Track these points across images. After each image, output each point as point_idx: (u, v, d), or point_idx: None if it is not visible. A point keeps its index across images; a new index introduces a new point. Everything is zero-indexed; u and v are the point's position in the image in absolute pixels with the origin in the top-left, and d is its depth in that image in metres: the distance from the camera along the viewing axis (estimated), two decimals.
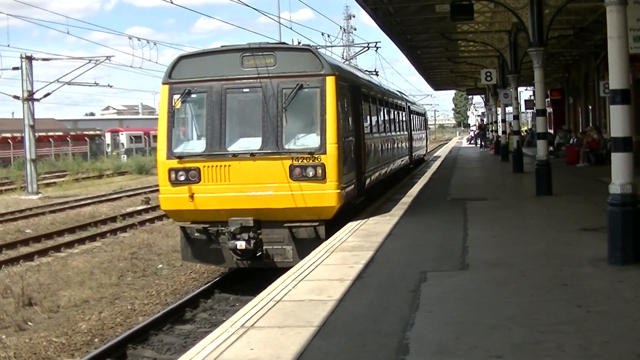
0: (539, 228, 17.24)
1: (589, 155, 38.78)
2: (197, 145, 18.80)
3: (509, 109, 46.48)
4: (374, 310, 10.05)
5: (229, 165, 18.05)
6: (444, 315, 9.63)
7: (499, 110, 52.00)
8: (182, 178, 18.24)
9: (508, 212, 20.41)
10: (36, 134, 48.15)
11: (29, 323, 16.87)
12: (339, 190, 17.83)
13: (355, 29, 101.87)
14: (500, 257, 13.53)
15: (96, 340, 15.33)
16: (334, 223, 18.28)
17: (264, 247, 17.99)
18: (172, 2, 22.65)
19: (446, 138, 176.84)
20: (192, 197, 18.15)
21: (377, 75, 42.37)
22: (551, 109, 61.90)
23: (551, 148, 42.82)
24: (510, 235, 16.13)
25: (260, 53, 18.39)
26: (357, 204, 21.17)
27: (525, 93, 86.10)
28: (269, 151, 17.89)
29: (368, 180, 22.67)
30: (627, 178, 12.07)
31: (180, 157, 18.29)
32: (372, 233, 17.28)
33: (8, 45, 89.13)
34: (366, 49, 48.09)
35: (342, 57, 50.90)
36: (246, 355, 8.30)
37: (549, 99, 60.84)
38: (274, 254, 17.94)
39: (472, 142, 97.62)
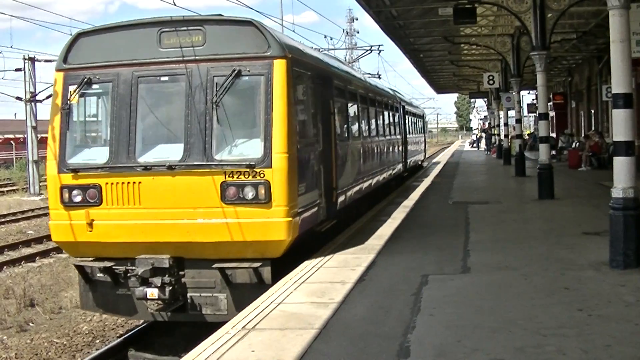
0: (540, 232, 17.26)
1: (591, 159, 38.78)
2: (99, 154, 14.31)
3: (512, 113, 46.48)
4: (375, 313, 10.06)
5: (140, 183, 13.65)
6: (445, 318, 9.63)
7: (502, 113, 52.03)
8: (78, 199, 13.90)
9: (510, 215, 20.40)
10: (39, 135, 48.09)
11: (31, 324, 16.89)
12: (291, 218, 13.37)
13: (358, 32, 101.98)
14: (502, 260, 13.53)
15: (97, 341, 15.34)
16: (284, 261, 13.82)
17: (188, 295, 13.70)
18: (174, 4, 22.66)
19: (448, 142, 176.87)
20: (91, 224, 13.79)
21: (379, 77, 42.40)
22: (554, 113, 61.85)
23: (553, 152, 42.88)
24: (512, 238, 16.12)
25: (185, 27, 14.00)
26: (327, 229, 16.67)
27: (527, 97, 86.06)
28: (194, 163, 13.53)
29: (342, 198, 18.39)
30: (629, 182, 12.07)
31: (75, 171, 13.95)
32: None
33: (11, 47, 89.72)
34: (369, 51, 48.22)
35: (345, 60, 50.78)
36: (247, 357, 8.32)
37: (551, 103, 60.79)
38: (202, 304, 13.67)
39: (475, 145, 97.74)
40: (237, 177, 13.36)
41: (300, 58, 15.34)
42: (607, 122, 41.67)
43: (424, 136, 57.25)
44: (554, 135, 55.21)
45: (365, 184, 22.81)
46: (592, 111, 49.66)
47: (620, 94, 12.08)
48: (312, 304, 10.62)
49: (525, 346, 8.19)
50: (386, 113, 30.80)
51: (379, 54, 48.30)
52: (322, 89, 17.01)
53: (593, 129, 46.03)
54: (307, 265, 13.96)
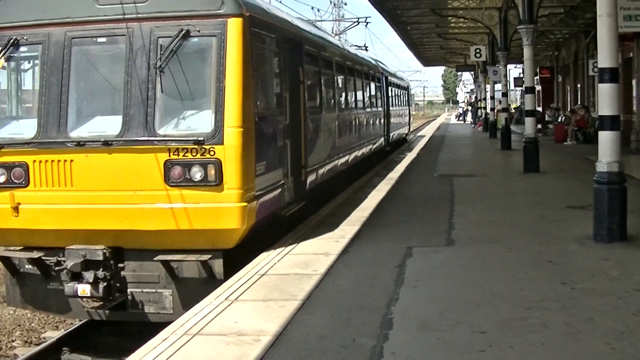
0: (525, 205, 17.28)
1: (577, 134, 38.85)
2: (25, 127, 12.51)
3: (498, 86, 46.49)
4: (359, 285, 10.05)
5: (72, 161, 11.90)
6: (428, 290, 9.63)
7: (488, 87, 52.04)
8: (2, 179, 12.15)
9: (495, 189, 20.43)
10: None
11: None
12: (246, 203, 11.71)
13: (345, 4, 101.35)
14: (487, 233, 13.55)
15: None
16: (240, 252, 12.25)
17: (129, 291, 12.04)
18: None
19: (435, 114, 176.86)
20: (16, 209, 12.09)
21: (366, 50, 42.21)
22: (540, 87, 61.87)
23: (539, 126, 42.89)
24: (497, 212, 16.13)
25: None
26: (294, 212, 15.09)
27: (514, 70, 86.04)
28: (134, 138, 11.78)
29: (313, 177, 16.76)
30: (613, 156, 12.08)
31: None
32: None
33: None
34: (356, 23, 48.08)
35: (332, 32, 50.61)
36: (230, 328, 8.29)
37: (538, 77, 60.78)
38: (145, 301, 12.02)
39: (461, 118, 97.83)
40: (184, 155, 11.65)
41: (262, 17, 13.38)
42: (594, 97, 41.64)
43: (409, 109, 55.18)
44: (540, 109, 55.26)
45: (342, 160, 21.28)
46: (579, 86, 49.67)
47: (606, 68, 12.05)
48: (296, 275, 10.60)
49: (508, 319, 8.20)
50: (366, 84, 28.84)
51: (366, 26, 48.29)
52: (290, 55, 15.53)
53: (579, 103, 46.04)
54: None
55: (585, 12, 38.74)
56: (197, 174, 11.60)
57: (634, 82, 31.23)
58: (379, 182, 22.19)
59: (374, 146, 30.36)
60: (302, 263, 11.43)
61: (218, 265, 11.76)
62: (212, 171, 11.59)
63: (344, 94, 23.33)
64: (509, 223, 14.59)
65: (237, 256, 12.14)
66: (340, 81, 22.53)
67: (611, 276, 10.10)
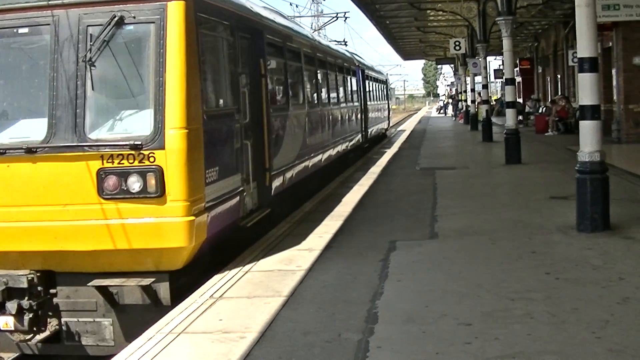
0: (508, 196, 17.32)
1: (558, 124, 38.94)
2: None
3: (478, 79, 46.58)
4: (343, 279, 10.04)
5: None
6: (413, 284, 9.63)
7: (468, 79, 52.09)
8: None
9: (477, 180, 20.45)
10: None
11: None
12: (193, 217, 10.20)
13: None
14: (470, 225, 13.55)
15: None
16: (190, 274, 10.95)
17: (63, 321, 10.58)
18: None
19: (415, 108, 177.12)
20: None
21: (345, 45, 42.16)
22: (520, 78, 61.98)
23: (520, 117, 43.04)
24: (480, 203, 16.15)
25: None
26: (258, 222, 13.48)
27: (494, 62, 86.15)
28: (61, 144, 10.22)
29: (279, 181, 15.32)
30: (595, 146, 12.11)
31: None
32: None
33: None
34: (335, 19, 48.09)
35: (311, 28, 50.57)
36: (215, 325, 8.27)
37: (518, 68, 60.90)
38: (82, 332, 10.54)
39: (442, 111, 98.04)
40: (119, 163, 10.06)
41: (211, 1, 11.89)
42: (574, 87, 41.79)
43: (388, 103, 52.78)
44: (520, 100, 55.37)
45: (313, 161, 19.81)
46: (559, 76, 49.78)
47: (585, 58, 12.07)
48: (280, 272, 10.58)
49: (493, 310, 8.20)
50: (341, 77, 27.32)
51: (345, 21, 48.23)
52: (250, 45, 14.08)
53: (560, 93, 46.16)
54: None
55: (563, 3, 38.80)
56: (135, 184, 10.06)
57: (613, 71, 31.32)
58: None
59: (351, 143, 28.84)
60: (286, 259, 11.41)
61: (164, 290, 10.37)
62: (152, 180, 10.04)
63: (315, 89, 21.88)
64: (492, 215, 14.60)
65: (186, 279, 10.78)
66: (310, 75, 21.09)
67: (595, 265, 10.12)
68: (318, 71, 22.09)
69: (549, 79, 54.93)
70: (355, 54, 38.25)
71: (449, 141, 39.48)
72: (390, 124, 56.40)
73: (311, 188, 20.01)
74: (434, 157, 29.19)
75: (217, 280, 10.42)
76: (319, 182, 21.35)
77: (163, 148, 10.07)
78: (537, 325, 7.63)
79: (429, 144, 37.17)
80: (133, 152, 10.03)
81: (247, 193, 13.02)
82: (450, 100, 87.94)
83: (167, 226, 10.10)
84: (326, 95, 23.88)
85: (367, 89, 36.58)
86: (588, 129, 12.18)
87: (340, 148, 25.38)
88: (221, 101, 12.41)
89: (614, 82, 31.37)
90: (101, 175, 10.08)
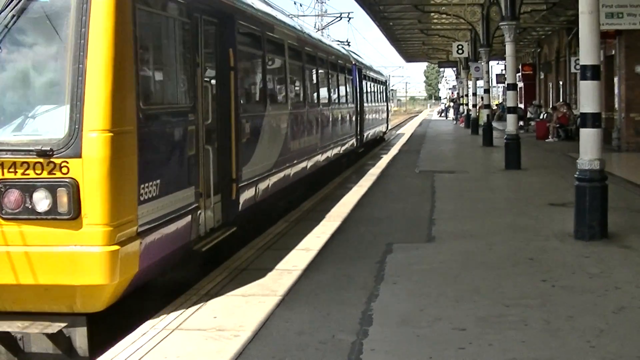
0: (506, 202, 17.31)
1: (559, 131, 38.97)
2: None
3: (480, 83, 46.53)
4: (338, 280, 10.02)
5: None
6: (408, 286, 9.61)
7: (470, 83, 52.11)
8: None
9: (476, 185, 20.44)
10: None
11: None
12: (118, 246, 8.09)
13: None
14: (467, 229, 13.53)
15: None
16: (112, 317, 8.92)
17: None
18: None
19: (417, 110, 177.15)
20: None
21: (349, 45, 42.09)
22: (522, 84, 62.01)
23: (521, 122, 43.05)
24: (478, 208, 16.14)
25: None
26: (223, 241, 11.57)
27: (497, 67, 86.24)
28: None
29: (249, 193, 13.26)
30: (595, 154, 12.09)
31: None
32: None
33: None
34: (339, 19, 48.07)
35: (315, 27, 50.56)
36: (209, 323, 8.25)
37: (520, 74, 60.92)
38: None
39: (443, 115, 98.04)
40: (24, 173, 7.97)
41: None
42: (575, 94, 41.83)
43: (387, 105, 49.98)
44: (522, 106, 55.40)
45: (297, 169, 17.81)
46: (561, 82, 49.80)
47: (588, 65, 12.06)
48: (276, 271, 10.56)
49: (488, 316, 8.19)
50: (334, 76, 25.35)
51: (348, 21, 48.27)
52: (216, 32, 12.09)
53: (561, 100, 46.19)
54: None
55: (567, 9, 38.82)
56: (42, 201, 7.92)
57: (616, 79, 31.34)
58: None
59: (343, 148, 26.72)
60: (282, 258, 11.38)
61: (80, 337, 8.32)
62: (63, 198, 7.88)
63: (301, 87, 19.71)
64: (489, 219, 14.58)
65: (108, 323, 8.76)
66: (295, 71, 19.02)
67: (591, 274, 10.10)
68: (306, 67, 20.01)
69: (551, 85, 54.98)
70: (353, 52, 36.44)
71: (449, 145, 39.49)
72: (389, 127, 54.19)
73: (295, 198, 18.59)
74: (433, 160, 29.18)
75: (213, 277, 10.40)
76: (304, 191, 19.85)
77: (79, 156, 7.89)
78: (531, 332, 7.62)
79: (429, 147, 37.14)
80: (41, 160, 7.90)
81: (204, 210, 10.96)
82: (451, 104, 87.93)
83: (82, 258, 7.93)
84: (315, 95, 21.82)
85: (365, 90, 34.79)
86: (588, 137, 12.17)
87: (330, 153, 23.48)
88: (169, 97, 10.29)
89: (616, 90, 31.38)
90: (0, 188, 7.99)
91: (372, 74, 39.56)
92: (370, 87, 38.27)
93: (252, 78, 15.23)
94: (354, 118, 30.01)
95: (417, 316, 8.28)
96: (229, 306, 8.92)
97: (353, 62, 31.16)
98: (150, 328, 8.21)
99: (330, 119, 23.64)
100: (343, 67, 27.56)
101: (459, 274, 10.24)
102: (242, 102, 13.21)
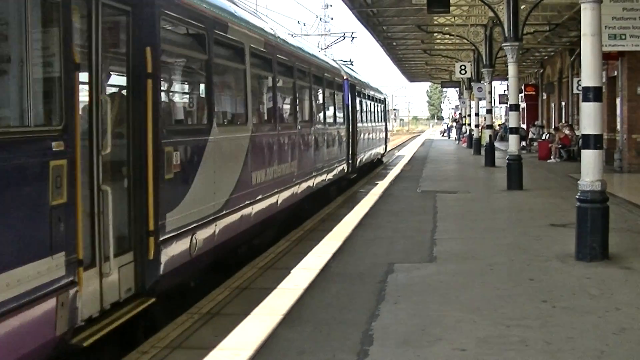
0: (508, 222, 17.32)
1: (561, 151, 39.02)
2: None
3: (483, 103, 46.63)
4: (340, 300, 10.03)
5: None
6: (409, 307, 9.62)
7: (473, 103, 52.21)
8: None
9: (478, 205, 20.44)
10: None
11: None
12: None
13: (332, 19, 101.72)
14: (469, 250, 13.54)
15: None
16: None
17: None
18: None
19: (419, 130, 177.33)
20: None
21: (352, 64, 42.12)
22: (525, 104, 62.12)
23: (523, 143, 43.10)
24: (479, 228, 16.14)
25: None
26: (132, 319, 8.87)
27: (499, 87, 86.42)
28: None
29: (181, 248, 10.35)
30: (596, 175, 12.11)
31: None
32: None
33: None
34: (342, 38, 48.20)
35: (318, 46, 50.71)
36: (211, 342, 8.26)
37: (522, 94, 61.05)
38: None
39: (445, 134, 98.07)
40: None
41: None
42: (578, 115, 41.85)
43: (386, 125, 47.19)
44: (524, 126, 55.49)
45: (260, 207, 14.58)
46: (563, 103, 49.88)
47: (590, 87, 12.10)
48: (278, 290, 10.57)
49: (488, 336, 8.20)
50: (318, 91, 22.44)
51: (352, 40, 48.39)
52: (127, 23, 9.26)
53: (563, 121, 46.29)
54: None
55: (570, 30, 38.94)
56: None
57: (618, 100, 31.39)
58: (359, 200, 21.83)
59: (331, 175, 23.56)
60: (284, 277, 11.39)
61: None
62: None
63: (270, 103, 16.55)
64: (491, 240, 14.59)
65: None
66: (262, 83, 16.35)
67: (592, 295, 10.11)
68: (279, 79, 16.97)
69: (553, 106, 55.07)
70: (347, 66, 34.43)
71: (452, 165, 39.47)
72: (389, 148, 51.09)
73: (261, 243, 15.59)
74: (435, 180, 29.12)
75: (214, 296, 10.42)
76: (277, 231, 17.05)
77: None
78: (531, 352, 7.62)
79: (431, 166, 37.10)
80: None
81: (79, 291, 7.56)
82: (454, 124, 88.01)
83: None
84: (291, 113, 18.88)
85: (359, 108, 32.00)
86: (590, 158, 12.19)
87: (312, 182, 20.31)
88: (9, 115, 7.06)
89: (618, 112, 31.44)
90: None
91: (368, 92, 36.87)
92: (366, 105, 35.72)
93: (189, 89, 13.01)
94: (344, 140, 27.04)
95: (418, 336, 8.28)
96: (230, 325, 8.93)
97: (344, 77, 28.16)
98: (150, 347, 8.23)
99: (313, 142, 20.61)
100: (331, 81, 24.83)
101: (459, 294, 10.24)
102: (168, 122, 10.66)
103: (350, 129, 28.67)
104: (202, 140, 11.24)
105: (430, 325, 8.72)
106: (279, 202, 16.28)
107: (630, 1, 23.14)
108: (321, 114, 22.91)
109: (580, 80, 13.22)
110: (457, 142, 71.77)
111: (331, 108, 25.20)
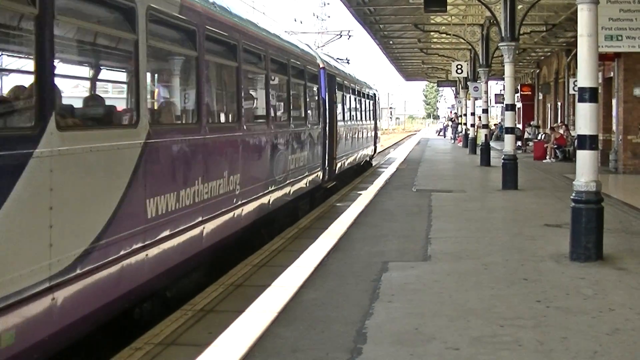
0: (503, 222, 17.32)
1: (556, 152, 39.06)
2: None
3: (479, 103, 46.66)
4: (334, 298, 10.02)
5: None
6: (403, 305, 9.62)
7: (469, 103, 52.24)
8: None
9: (473, 205, 20.44)
10: None
11: None
12: None
13: (329, 17, 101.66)
14: (463, 249, 13.54)
15: None
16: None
17: None
18: None
19: (415, 129, 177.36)
20: None
21: (348, 63, 42.02)
22: (521, 104, 62.15)
23: (519, 143, 43.11)
24: (474, 228, 16.14)
25: None
26: None
27: (495, 87, 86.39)
28: None
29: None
30: (591, 176, 12.13)
31: None
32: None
33: None
34: (339, 36, 48.14)
35: (315, 44, 50.70)
36: (204, 339, 8.26)
37: (518, 94, 61.09)
38: None
39: (441, 134, 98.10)
40: None
41: None
42: (574, 115, 41.96)
43: (375, 123, 42.69)
44: (520, 126, 55.50)
45: (168, 245, 10.15)
46: (559, 104, 49.94)
47: (586, 87, 12.11)
48: (272, 288, 10.57)
49: (482, 336, 8.20)
50: (281, 81, 18.30)
51: (348, 38, 48.32)
52: None
53: (559, 121, 46.33)
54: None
55: (566, 31, 39.02)
56: None
57: (614, 101, 31.43)
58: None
59: (296, 187, 18.98)
60: (278, 275, 11.38)
61: None
62: None
63: (187, 94, 12.34)
64: (485, 239, 14.59)
65: None
66: (174, 62, 12.33)
67: (586, 295, 10.12)
68: (206, 61, 11.95)
69: (549, 106, 55.13)
70: (329, 56, 30.48)
71: (447, 164, 39.45)
72: (380, 149, 47.16)
73: (183, 288, 11.72)
74: (430, 179, 29.08)
75: (208, 293, 10.42)
76: (207, 272, 12.85)
77: None
78: (524, 352, 7.63)
79: (426, 165, 37.07)
80: None
81: None
82: (449, 123, 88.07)
83: None
84: (230, 109, 14.46)
85: (340, 104, 27.82)
86: (585, 159, 12.20)
87: (267, 200, 15.71)
88: None
89: (614, 112, 31.48)
90: None
91: (352, 85, 32.31)
92: (350, 100, 31.43)
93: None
94: (319, 142, 22.49)
95: (412, 335, 8.28)
96: (223, 322, 8.92)
97: (321, 66, 23.67)
98: (144, 344, 8.23)
99: (269, 147, 16.04)
100: (301, 70, 20.10)
101: (453, 293, 10.25)
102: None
103: (328, 129, 24.15)
104: (19, 157, 6.78)
105: (423, 324, 8.72)
106: (206, 234, 11.63)
107: (627, 2, 23.16)
108: (283, 110, 18.65)
109: (576, 80, 13.23)
110: (452, 141, 71.79)
111: (300, 103, 20.60)
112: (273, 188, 16.27)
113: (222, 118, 14.12)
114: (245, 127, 14.17)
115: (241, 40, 13.87)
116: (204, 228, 11.53)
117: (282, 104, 18.69)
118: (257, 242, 15.12)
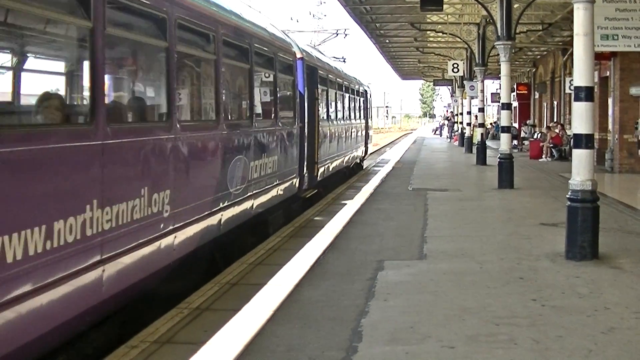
0: (498, 221, 17.31)
1: (552, 151, 39.10)
2: None
3: (475, 101, 46.66)
4: (329, 296, 10.02)
5: None
6: (399, 304, 9.62)
7: (465, 102, 52.29)
8: None
9: (469, 204, 20.43)
10: None
11: None
12: None
13: (325, 15, 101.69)
14: (459, 248, 13.54)
15: None
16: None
17: None
18: None
19: (411, 128, 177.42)
20: None
21: (344, 61, 41.95)
22: (517, 103, 62.18)
23: (515, 142, 43.14)
24: (470, 227, 16.15)
25: None
26: None
27: (492, 86, 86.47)
28: None
29: None
30: (587, 175, 12.13)
31: None
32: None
33: None
34: (335, 35, 48.15)
35: (311, 43, 50.71)
36: (200, 337, 8.26)
37: (515, 93, 61.11)
38: None
39: (437, 132, 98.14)
40: None
41: None
42: (570, 114, 41.94)
43: (366, 122, 39.82)
44: (516, 125, 55.54)
45: (80, 283, 7.75)
46: (555, 103, 49.95)
47: (581, 87, 12.11)
48: (268, 286, 10.57)
49: (477, 334, 8.20)
50: (242, 71, 15.08)
51: (344, 37, 48.32)
52: None
53: (555, 120, 46.36)
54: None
55: (563, 30, 39.03)
56: None
57: (610, 100, 31.46)
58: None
59: (261, 200, 15.90)
60: (274, 273, 11.38)
61: None
62: None
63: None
64: (481, 238, 14.59)
65: None
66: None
67: (581, 294, 10.12)
68: (118, 40, 9.34)
69: (545, 105, 55.15)
70: (312, 47, 28.37)
71: (443, 163, 39.46)
72: (368, 152, 42.77)
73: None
74: (426, 178, 29.11)
75: (204, 292, 10.42)
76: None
77: None
78: (520, 351, 7.63)
79: (422, 165, 37.08)
80: None
81: None
82: (446, 122, 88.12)
83: None
84: (159, 102, 11.10)
85: (323, 101, 25.00)
86: (581, 158, 12.21)
87: (216, 220, 12.62)
88: None
89: (610, 112, 31.51)
90: None
91: (339, 80, 29.05)
92: (336, 97, 28.48)
93: None
94: (294, 144, 19.49)
95: (407, 334, 8.28)
96: (219, 320, 8.93)
97: (298, 56, 20.55)
98: (139, 342, 8.23)
99: (219, 153, 12.94)
100: (270, 59, 17.13)
101: (449, 292, 10.25)
102: None
103: (308, 129, 21.27)
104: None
105: (419, 322, 8.72)
106: (108, 279, 8.42)
107: (623, 2, 23.14)
108: (240, 107, 15.55)
109: (572, 79, 13.21)
110: (448, 140, 71.84)
111: (267, 98, 17.51)
112: (226, 204, 13.10)
113: (138, 116, 10.53)
114: (178, 127, 10.70)
115: (173, 14, 10.36)
116: (103, 271, 8.26)
117: (239, 98, 15.42)
118: (212, 269, 12.71)
